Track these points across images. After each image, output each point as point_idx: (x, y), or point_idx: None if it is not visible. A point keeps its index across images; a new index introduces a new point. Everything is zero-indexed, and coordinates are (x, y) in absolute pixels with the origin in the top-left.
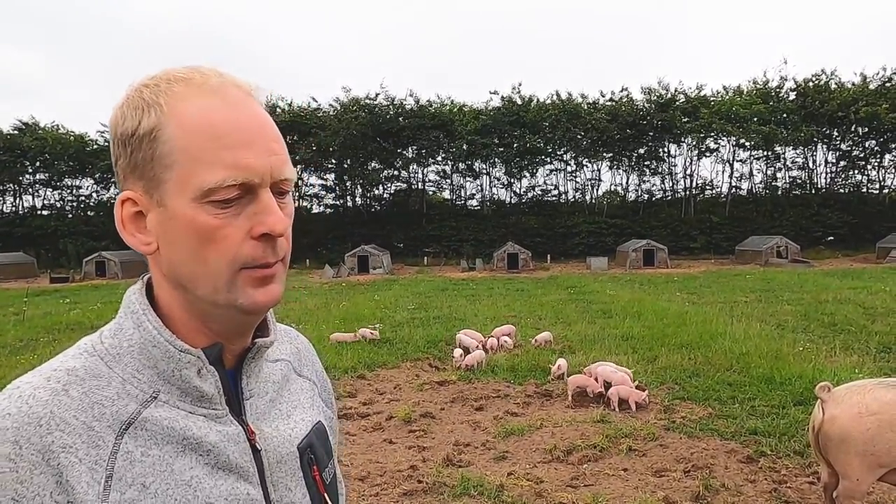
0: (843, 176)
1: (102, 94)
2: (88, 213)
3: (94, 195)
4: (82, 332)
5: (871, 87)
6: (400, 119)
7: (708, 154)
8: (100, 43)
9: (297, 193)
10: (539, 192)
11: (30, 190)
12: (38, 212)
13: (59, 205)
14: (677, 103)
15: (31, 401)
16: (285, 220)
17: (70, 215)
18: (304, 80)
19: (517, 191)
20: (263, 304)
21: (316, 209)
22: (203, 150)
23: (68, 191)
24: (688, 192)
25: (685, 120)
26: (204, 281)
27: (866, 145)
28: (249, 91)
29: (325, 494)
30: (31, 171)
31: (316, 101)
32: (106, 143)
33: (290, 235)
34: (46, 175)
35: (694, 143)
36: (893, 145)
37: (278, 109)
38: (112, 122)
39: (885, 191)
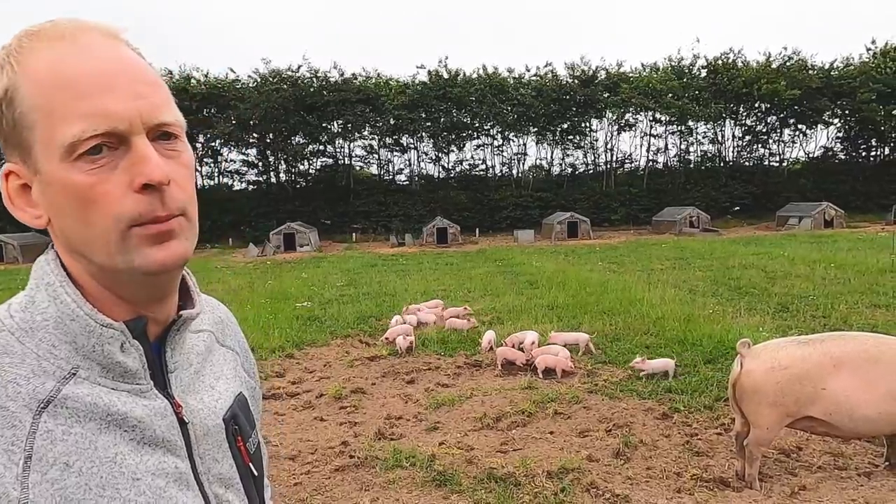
0: (748, 150)
1: None
2: None
3: None
4: None
5: (774, 65)
6: (324, 92)
7: (627, 129)
8: None
9: (217, 169)
10: (467, 167)
11: None
12: None
13: None
14: (599, 79)
15: None
16: (164, 168)
17: None
18: (220, 49)
19: (445, 165)
20: (163, 263)
21: (238, 186)
22: (57, 102)
23: None
24: (609, 166)
25: (606, 95)
26: (96, 246)
27: (768, 121)
28: (114, 34)
29: (251, 464)
30: None
31: (234, 73)
32: None
33: (188, 186)
34: None
35: (614, 117)
36: (792, 121)
37: (193, 81)
38: None
39: (784, 163)
